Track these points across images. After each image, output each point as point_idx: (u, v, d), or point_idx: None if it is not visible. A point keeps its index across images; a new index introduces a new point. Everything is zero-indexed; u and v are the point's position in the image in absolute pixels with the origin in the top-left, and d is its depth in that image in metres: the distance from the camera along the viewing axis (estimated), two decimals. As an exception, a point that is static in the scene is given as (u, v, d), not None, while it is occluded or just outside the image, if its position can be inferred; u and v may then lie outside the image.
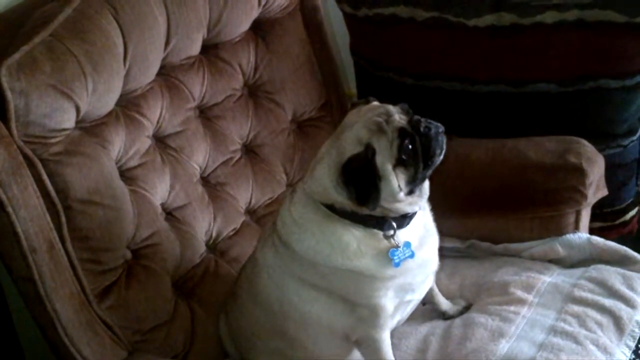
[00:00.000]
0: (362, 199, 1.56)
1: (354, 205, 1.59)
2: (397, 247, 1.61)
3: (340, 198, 1.59)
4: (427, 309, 1.93)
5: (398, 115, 1.59)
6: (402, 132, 1.56)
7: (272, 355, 1.79)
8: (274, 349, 1.78)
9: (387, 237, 1.62)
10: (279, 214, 1.72)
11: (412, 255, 1.63)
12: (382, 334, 1.69)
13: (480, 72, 2.23)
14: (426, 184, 1.66)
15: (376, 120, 1.58)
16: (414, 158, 1.57)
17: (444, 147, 1.61)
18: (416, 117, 1.60)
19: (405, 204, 1.61)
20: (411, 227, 1.66)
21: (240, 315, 1.84)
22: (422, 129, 1.58)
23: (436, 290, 1.91)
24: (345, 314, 1.67)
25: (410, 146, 1.56)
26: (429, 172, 1.61)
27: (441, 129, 1.61)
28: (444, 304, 1.94)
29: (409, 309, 1.77)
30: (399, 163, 1.56)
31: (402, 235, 1.63)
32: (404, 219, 1.64)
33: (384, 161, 1.55)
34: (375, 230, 1.62)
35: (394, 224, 1.62)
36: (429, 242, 1.70)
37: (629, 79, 2.11)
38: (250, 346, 1.83)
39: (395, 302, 1.67)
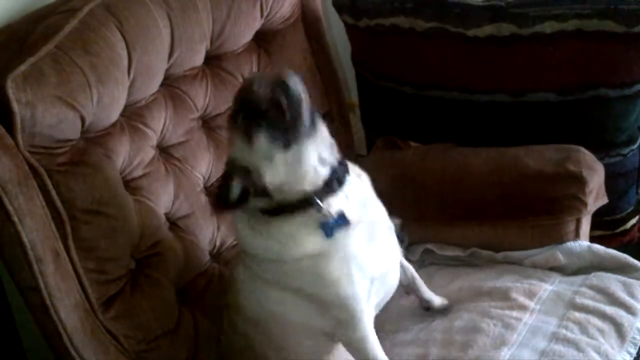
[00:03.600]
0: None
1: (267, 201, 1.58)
2: (328, 219, 1.58)
3: (258, 203, 1.59)
4: (414, 306, 1.93)
5: (253, 94, 1.54)
6: (246, 115, 1.54)
7: None
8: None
9: (320, 212, 1.58)
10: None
11: (345, 224, 1.59)
12: (362, 331, 1.67)
13: (479, 82, 2.24)
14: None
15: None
16: (256, 120, 1.52)
17: (294, 93, 1.51)
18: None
19: (290, 170, 1.55)
20: (345, 201, 1.62)
21: (234, 334, 1.84)
22: (260, 91, 1.52)
23: (419, 280, 1.91)
24: (318, 315, 1.66)
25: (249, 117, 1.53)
26: (297, 121, 1.52)
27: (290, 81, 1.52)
28: (427, 292, 1.94)
29: (385, 289, 1.75)
30: (247, 137, 1.53)
31: (334, 207, 1.60)
32: (328, 190, 1.59)
33: (240, 149, 1.56)
34: (308, 212, 1.59)
35: (317, 200, 1.57)
36: (370, 212, 1.68)
37: (628, 88, 2.13)
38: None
39: (365, 285, 1.65)
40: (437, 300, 1.95)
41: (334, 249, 1.61)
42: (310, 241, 1.61)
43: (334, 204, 1.60)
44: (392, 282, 1.80)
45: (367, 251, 1.65)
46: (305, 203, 1.59)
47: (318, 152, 1.57)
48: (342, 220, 1.60)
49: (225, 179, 1.60)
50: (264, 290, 1.70)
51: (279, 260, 1.64)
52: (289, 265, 1.63)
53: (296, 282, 1.65)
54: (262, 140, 1.53)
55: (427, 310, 1.95)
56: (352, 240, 1.63)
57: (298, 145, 1.54)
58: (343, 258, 1.62)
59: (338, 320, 1.67)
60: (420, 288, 1.94)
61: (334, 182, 1.61)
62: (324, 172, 1.59)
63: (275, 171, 1.55)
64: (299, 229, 1.61)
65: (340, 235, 1.60)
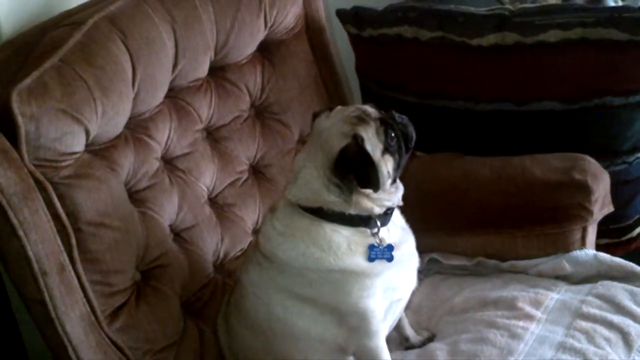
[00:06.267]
0: (364, 181, 1.61)
1: (344, 203, 1.63)
2: (379, 244, 1.66)
3: (332, 197, 1.63)
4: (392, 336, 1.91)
5: (372, 109, 1.68)
6: (383, 121, 1.65)
7: None
8: None
9: (374, 235, 1.66)
10: (261, 232, 1.75)
11: (390, 259, 1.66)
12: (376, 341, 1.69)
13: (484, 91, 2.24)
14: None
15: (355, 114, 1.66)
16: (397, 144, 1.66)
17: (414, 134, 1.71)
18: (384, 111, 1.70)
19: (388, 194, 1.67)
20: (390, 227, 1.70)
21: (233, 341, 1.85)
22: (397, 118, 1.69)
23: (403, 315, 1.91)
24: (334, 325, 1.68)
25: (392, 133, 1.64)
26: (407, 159, 1.71)
27: (407, 119, 1.72)
28: (408, 329, 1.94)
29: (398, 311, 1.77)
30: (385, 150, 1.64)
31: (384, 235, 1.67)
32: (386, 216, 1.68)
33: (373, 148, 1.63)
34: (362, 229, 1.66)
35: (378, 222, 1.66)
36: (408, 240, 1.75)
37: (632, 96, 2.12)
38: None
39: (385, 305, 1.68)
40: (415, 337, 1.94)
41: (369, 271, 1.65)
42: (353, 258, 1.64)
43: (385, 233, 1.68)
44: (404, 304, 1.82)
45: (396, 277, 1.70)
46: (367, 221, 1.66)
47: None
48: (388, 252, 1.66)
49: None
50: (278, 299, 1.70)
51: (310, 268, 1.65)
52: (317, 274, 1.65)
53: (320, 292, 1.66)
54: (389, 164, 1.65)
55: (405, 349, 1.93)
56: (393, 269, 1.68)
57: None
58: (373, 279, 1.65)
59: (353, 329, 1.68)
60: (405, 325, 1.94)
61: (390, 209, 1.71)
62: (393, 200, 1.70)
63: (383, 187, 1.65)
64: (349, 243, 1.65)
65: (379, 262, 1.66)
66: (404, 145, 1.68)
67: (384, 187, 1.64)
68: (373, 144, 1.63)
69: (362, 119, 1.65)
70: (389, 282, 1.68)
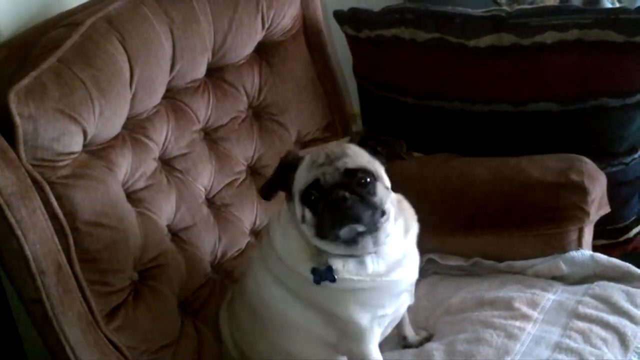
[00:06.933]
0: (265, 185, 1.67)
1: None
2: (319, 267, 1.63)
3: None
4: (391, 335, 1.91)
5: (334, 170, 1.58)
6: (315, 183, 1.58)
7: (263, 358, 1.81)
8: (261, 352, 1.81)
9: (318, 254, 1.64)
10: (274, 213, 1.78)
11: (332, 280, 1.62)
12: (367, 347, 1.69)
13: (481, 92, 2.24)
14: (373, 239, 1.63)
15: (322, 154, 1.61)
16: (315, 210, 1.58)
17: (347, 228, 1.57)
18: (341, 192, 1.55)
19: (318, 241, 1.62)
20: (382, 255, 1.66)
21: (235, 327, 1.88)
22: (333, 196, 1.55)
23: (406, 317, 1.92)
24: (322, 323, 1.69)
25: (312, 198, 1.58)
26: (339, 235, 1.58)
27: (363, 214, 1.56)
28: (408, 329, 1.94)
29: (386, 324, 1.77)
30: (304, 202, 1.59)
31: (370, 259, 1.65)
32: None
33: (298, 183, 1.61)
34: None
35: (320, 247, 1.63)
36: (403, 265, 1.70)
37: (629, 98, 2.12)
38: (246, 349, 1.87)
39: (367, 317, 1.67)
40: (413, 337, 1.95)
41: (334, 286, 1.64)
42: (302, 266, 1.65)
43: (378, 255, 1.65)
44: (400, 314, 1.83)
45: (386, 304, 1.69)
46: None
47: None
48: (330, 274, 1.62)
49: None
50: (269, 284, 1.72)
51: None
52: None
53: (296, 285, 1.68)
54: (307, 214, 1.61)
55: (403, 347, 1.94)
56: (372, 294, 1.66)
57: None
58: (352, 299, 1.65)
59: (342, 331, 1.69)
60: (405, 324, 1.94)
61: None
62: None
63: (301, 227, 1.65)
64: (300, 251, 1.66)
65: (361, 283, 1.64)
66: (319, 220, 1.58)
67: (299, 225, 1.62)
68: (298, 182, 1.61)
69: (315, 161, 1.60)
70: (365, 299, 1.66)
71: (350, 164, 1.59)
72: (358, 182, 1.57)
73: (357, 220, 1.56)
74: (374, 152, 1.65)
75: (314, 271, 1.63)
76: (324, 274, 1.62)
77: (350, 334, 1.68)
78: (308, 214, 1.59)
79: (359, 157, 1.62)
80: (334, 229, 1.57)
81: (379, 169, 1.63)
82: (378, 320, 1.70)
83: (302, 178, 1.61)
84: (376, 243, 1.63)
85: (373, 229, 1.60)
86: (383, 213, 1.60)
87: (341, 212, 1.55)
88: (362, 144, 1.65)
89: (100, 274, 1.74)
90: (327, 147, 1.65)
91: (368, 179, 1.58)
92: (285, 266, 1.68)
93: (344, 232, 1.57)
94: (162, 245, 1.89)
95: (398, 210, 1.71)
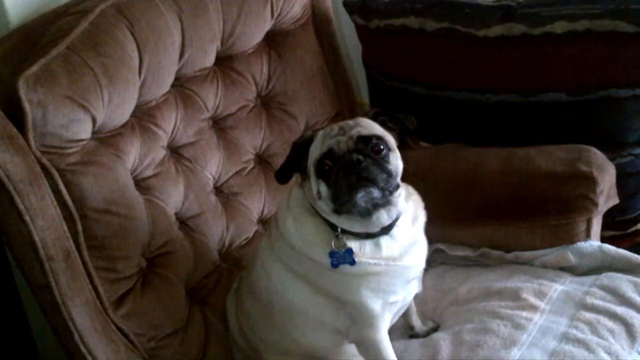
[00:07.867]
0: (280, 168, 1.68)
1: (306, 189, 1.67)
2: (339, 250, 1.63)
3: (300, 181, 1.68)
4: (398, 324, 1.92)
5: (348, 139, 1.60)
6: (329, 152, 1.59)
7: (270, 346, 1.82)
8: (269, 340, 1.81)
9: (337, 237, 1.64)
10: (281, 202, 1.79)
11: (352, 263, 1.63)
12: (378, 334, 1.70)
13: (490, 82, 2.24)
14: (384, 216, 1.64)
15: (335, 127, 1.64)
16: (330, 179, 1.59)
17: (362, 192, 1.57)
18: (354, 155, 1.57)
19: (336, 217, 1.63)
20: (396, 237, 1.68)
21: (241, 313, 1.88)
22: (347, 158, 1.57)
23: (413, 307, 1.92)
24: (332, 309, 1.70)
25: (326, 168, 1.59)
26: (356, 202, 1.58)
27: (378, 177, 1.57)
28: (415, 319, 1.95)
29: (395, 309, 1.77)
30: (318, 175, 1.60)
31: (385, 242, 1.66)
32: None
33: (311, 157, 1.63)
34: (328, 228, 1.66)
35: (339, 229, 1.64)
36: (414, 251, 1.71)
37: (638, 88, 2.12)
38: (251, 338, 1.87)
39: (379, 303, 1.68)
40: (420, 327, 1.95)
41: (346, 270, 1.64)
42: (315, 250, 1.66)
43: (385, 241, 1.66)
44: (408, 302, 1.84)
45: (398, 290, 1.70)
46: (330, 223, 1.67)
47: None
48: (350, 256, 1.63)
49: None
50: (277, 269, 1.72)
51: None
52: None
53: (305, 270, 1.68)
54: (322, 188, 1.63)
55: (410, 337, 1.94)
56: (386, 279, 1.67)
57: None
58: (363, 283, 1.65)
59: (353, 317, 1.69)
60: (412, 314, 1.95)
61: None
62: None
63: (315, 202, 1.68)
64: (314, 235, 1.67)
65: (374, 267, 1.64)
66: (335, 187, 1.58)
67: (315, 200, 1.63)
68: (312, 153, 1.63)
69: (328, 133, 1.63)
70: (379, 284, 1.66)
71: (364, 132, 1.61)
72: (372, 149, 1.59)
73: (372, 182, 1.57)
74: (386, 128, 1.67)
75: (332, 254, 1.63)
76: (343, 257, 1.63)
77: (361, 320, 1.68)
78: (323, 188, 1.60)
79: (373, 127, 1.65)
80: (350, 193, 1.56)
81: (392, 142, 1.66)
82: (389, 307, 1.71)
83: (316, 149, 1.63)
84: (390, 216, 1.64)
85: (387, 200, 1.60)
86: (397, 186, 1.61)
87: (356, 173, 1.56)
88: (374, 118, 1.68)
89: (108, 260, 1.75)
90: (340, 122, 1.68)
91: (382, 146, 1.60)
92: (296, 252, 1.68)
93: (360, 197, 1.57)
94: (170, 232, 1.89)
95: (407, 196, 1.72)
